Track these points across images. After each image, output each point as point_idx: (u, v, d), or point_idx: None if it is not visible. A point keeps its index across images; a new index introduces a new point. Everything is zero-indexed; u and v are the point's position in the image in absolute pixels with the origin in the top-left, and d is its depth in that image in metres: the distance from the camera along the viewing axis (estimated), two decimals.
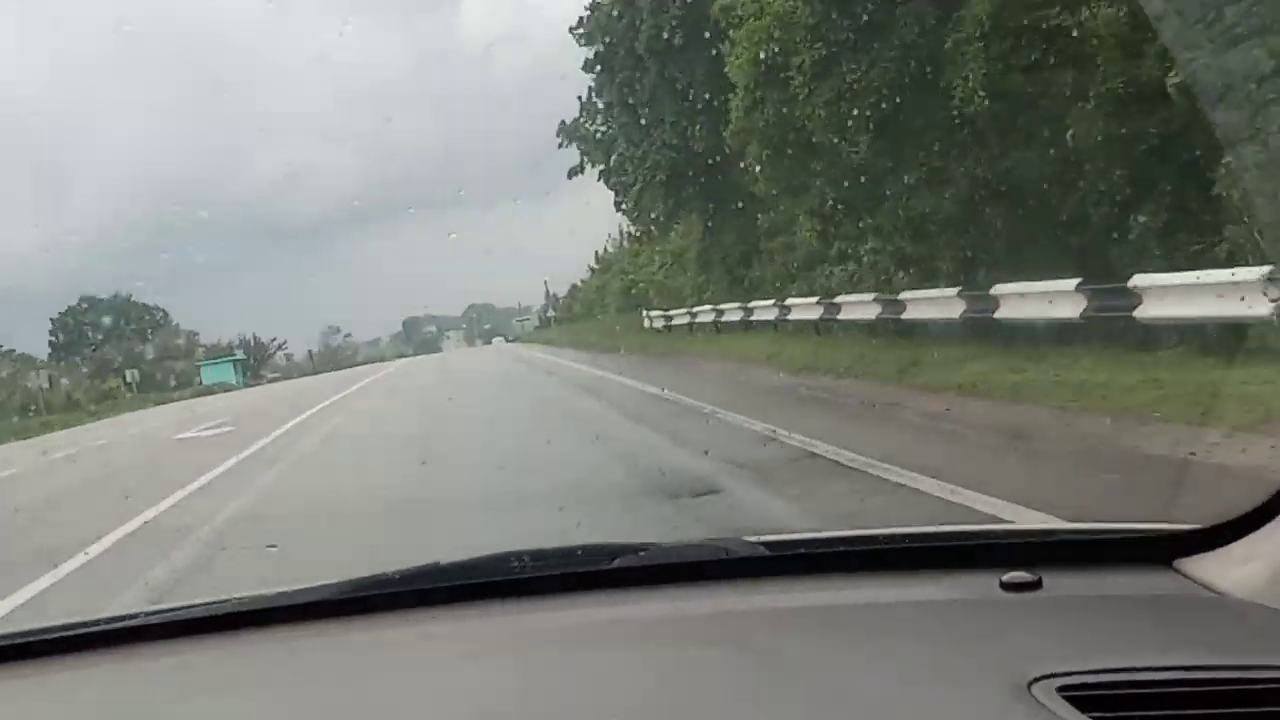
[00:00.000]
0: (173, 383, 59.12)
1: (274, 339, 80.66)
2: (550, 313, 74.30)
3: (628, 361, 21.40)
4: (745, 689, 1.14)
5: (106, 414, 37.59)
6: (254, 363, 78.30)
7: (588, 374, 19.27)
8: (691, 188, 23.38)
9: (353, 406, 20.92)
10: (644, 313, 28.73)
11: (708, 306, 23.35)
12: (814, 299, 17.26)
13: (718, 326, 22.50)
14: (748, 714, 1.07)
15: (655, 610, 1.49)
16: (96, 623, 1.63)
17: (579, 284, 58.01)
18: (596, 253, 47.76)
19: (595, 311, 46.41)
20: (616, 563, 1.57)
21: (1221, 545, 1.38)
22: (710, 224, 23.13)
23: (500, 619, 1.54)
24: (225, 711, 1.34)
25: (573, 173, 29.22)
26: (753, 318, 20.47)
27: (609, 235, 43.34)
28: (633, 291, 34.86)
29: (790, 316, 18.42)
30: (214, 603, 1.65)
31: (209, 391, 52.74)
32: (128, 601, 5.36)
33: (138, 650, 1.58)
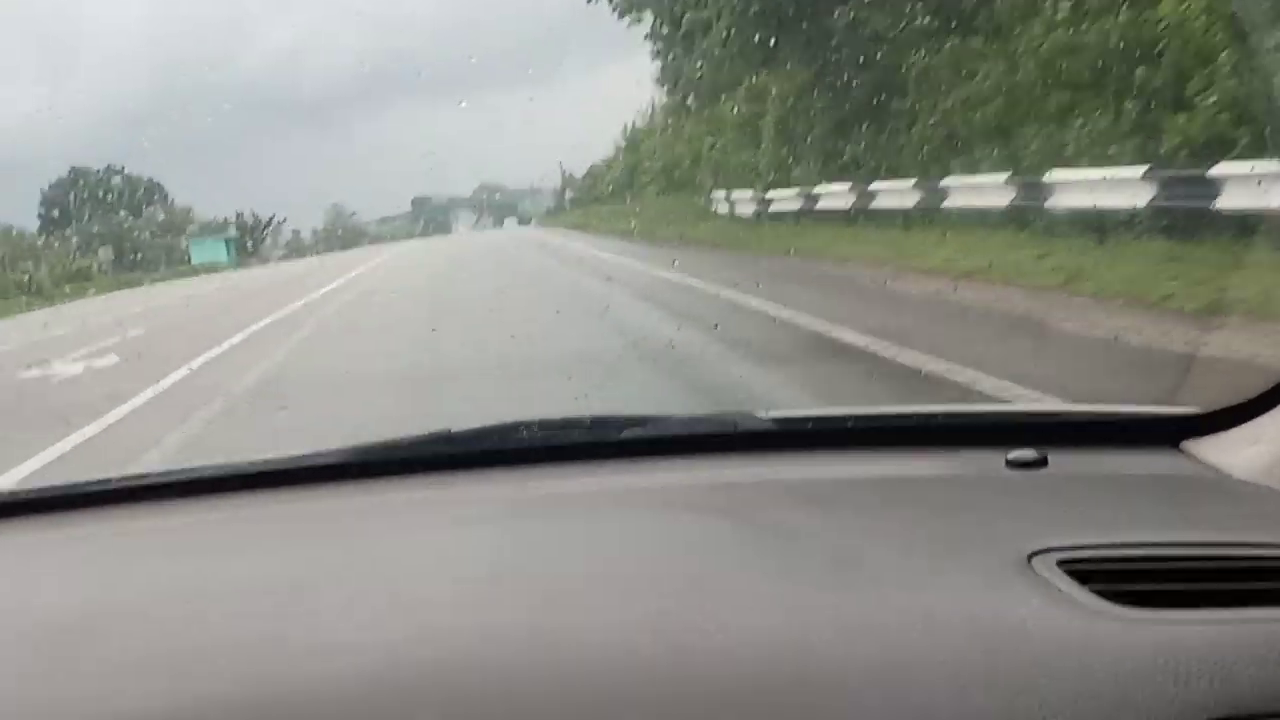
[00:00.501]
0: (162, 261, 53.48)
1: (273, 215, 73.89)
2: (568, 195, 68.34)
3: (738, 269, 12.98)
4: (748, 559, 1.13)
5: (74, 297, 32.02)
6: (250, 241, 71.90)
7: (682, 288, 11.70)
8: (793, 29, 16.91)
9: (331, 322, 14.61)
10: (710, 195, 22.29)
11: (798, 190, 17.99)
12: (1004, 177, 11.77)
13: (797, 217, 17.56)
14: (750, 583, 1.06)
15: (661, 481, 1.51)
16: (105, 482, 1.64)
17: (603, 163, 51.68)
18: (626, 127, 41.87)
19: (625, 193, 39.25)
20: (625, 434, 1.58)
21: (1228, 428, 1.38)
22: (822, 76, 16.71)
23: (506, 486, 1.56)
24: (228, 570, 1.31)
25: (624, 12, 22.56)
26: (874, 205, 15.00)
27: (638, 111, 38.27)
28: (675, 173, 28.46)
29: (951, 204, 12.92)
30: (222, 465, 1.65)
31: (194, 272, 47.36)
32: None
33: (142, 509, 1.60)
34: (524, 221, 71.93)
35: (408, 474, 1.61)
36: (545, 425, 1.62)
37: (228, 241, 65.51)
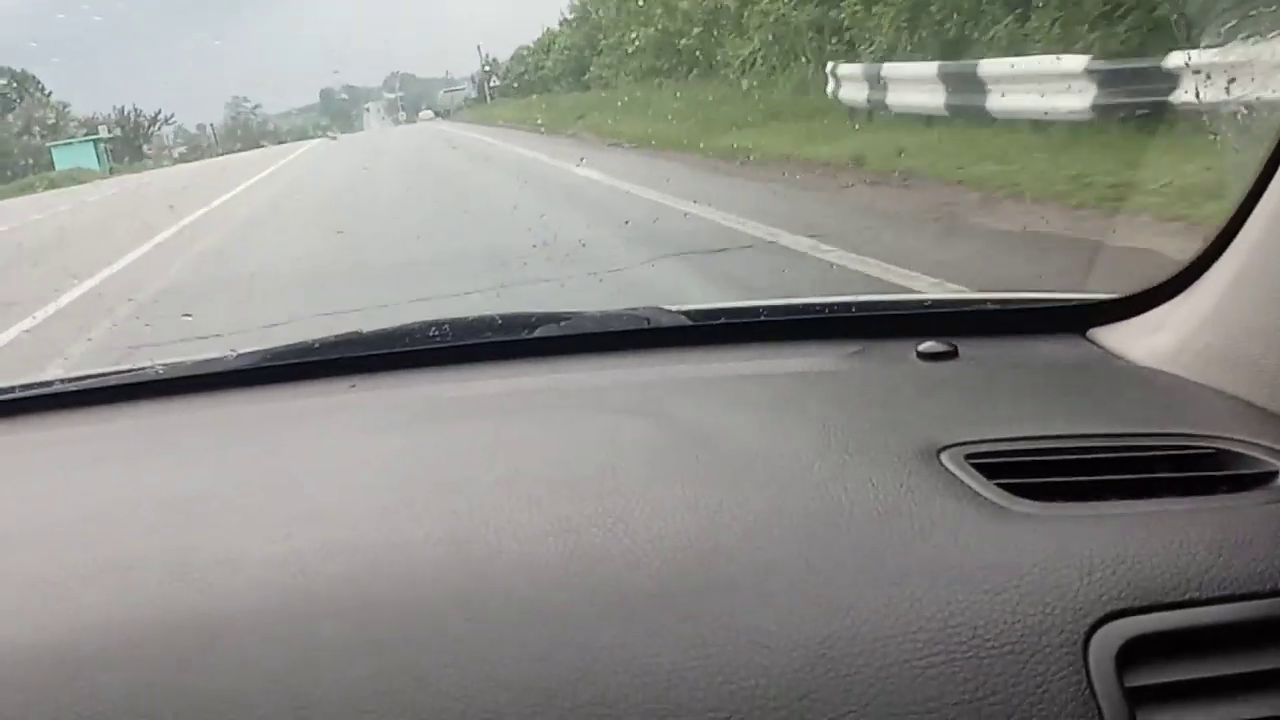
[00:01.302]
0: (29, 166, 46.12)
1: (159, 112, 62.94)
2: (493, 82, 58.29)
3: None
4: (659, 461, 1.11)
5: None
6: (133, 141, 60.83)
7: None
8: None
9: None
10: (830, 74, 13.52)
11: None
12: None
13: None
14: (660, 486, 1.04)
15: (574, 380, 1.48)
16: (8, 390, 1.59)
17: (536, 43, 43.33)
18: None
19: (569, 77, 31.19)
20: (538, 332, 1.55)
21: (1135, 315, 1.36)
22: None
23: (418, 389, 1.51)
24: (128, 483, 1.26)
25: None
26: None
27: None
28: (682, 42, 19.77)
29: None
30: (128, 370, 1.60)
31: (53, 184, 39.18)
32: None
33: (35, 420, 1.55)
34: (441, 114, 63.33)
35: (317, 377, 1.55)
36: (456, 325, 1.58)
37: (96, 144, 54.82)
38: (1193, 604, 0.82)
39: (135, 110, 59.38)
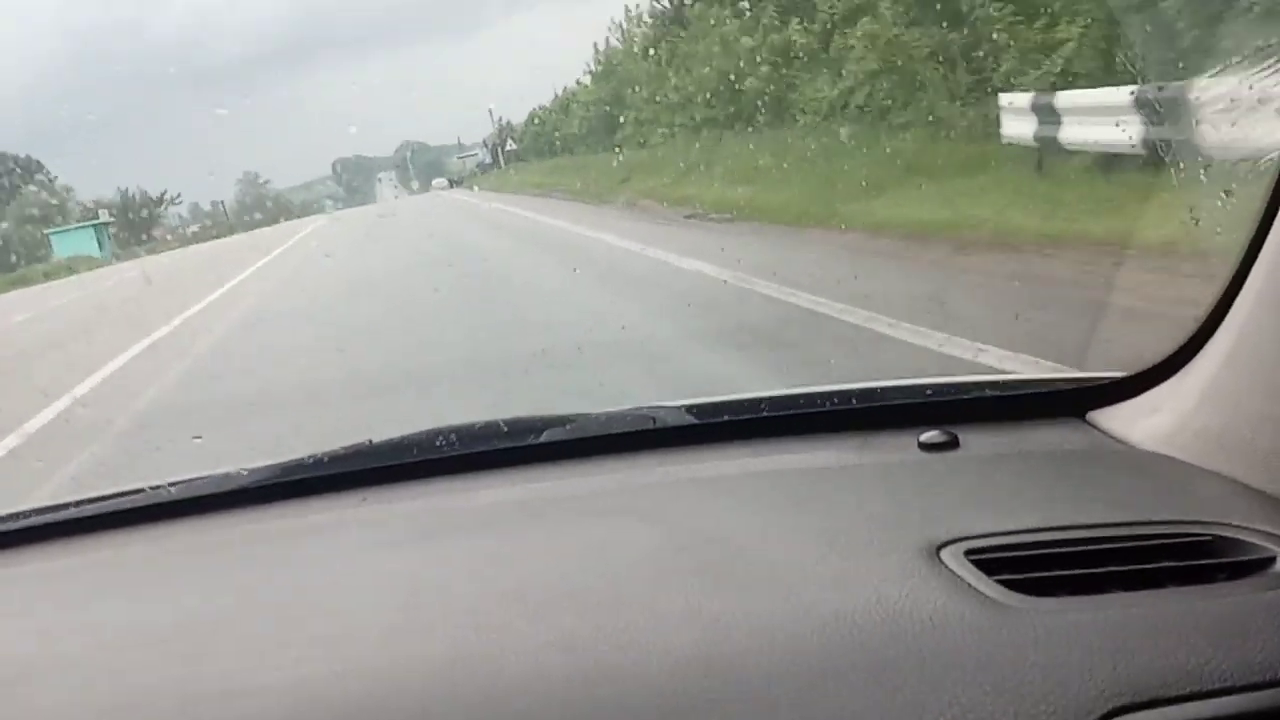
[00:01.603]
0: (29, 255, 43.82)
1: (164, 192, 60.75)
2: (509, 146, 55.11)
3: None
4: (663, 568, 1.11)
5: None
6: (138, 221, 58.16)
7: None
8: None
9: None
10: (1006, 108, 10.33)
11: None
12: None
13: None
14: (664, 595, 1.03)
15: (579, 486, 1.49)
16: (11, 518, 1.56)
17: (551, 105, 41.03)
18: (597, 49, 31.45)
19: (613, 137, 27.67)
20: (544, 437, 1.56)
21: (1132, 396, 1.37)
22: None
23: (428, 499, 1.50)
24: (134, 611, 1.25)
25: None
26: None
27: (610, 28, 28.94)
28: (747, 82, 16.32)
29: None
30: (131, 492, 1.56)
31: (48, 275, 36.74)
32: None
33: (55, 545, 1.51)
34: (455, 182, 60.64)
35: (329, 491, 1.54)
36: (463, 432, 1.58)
37: (98, 228, 51.89)
38: (1194, 697, 0.82)
39: (141, 191, 56.53)
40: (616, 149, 27.02)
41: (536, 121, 47.99)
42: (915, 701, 0.81)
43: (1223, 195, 2.92)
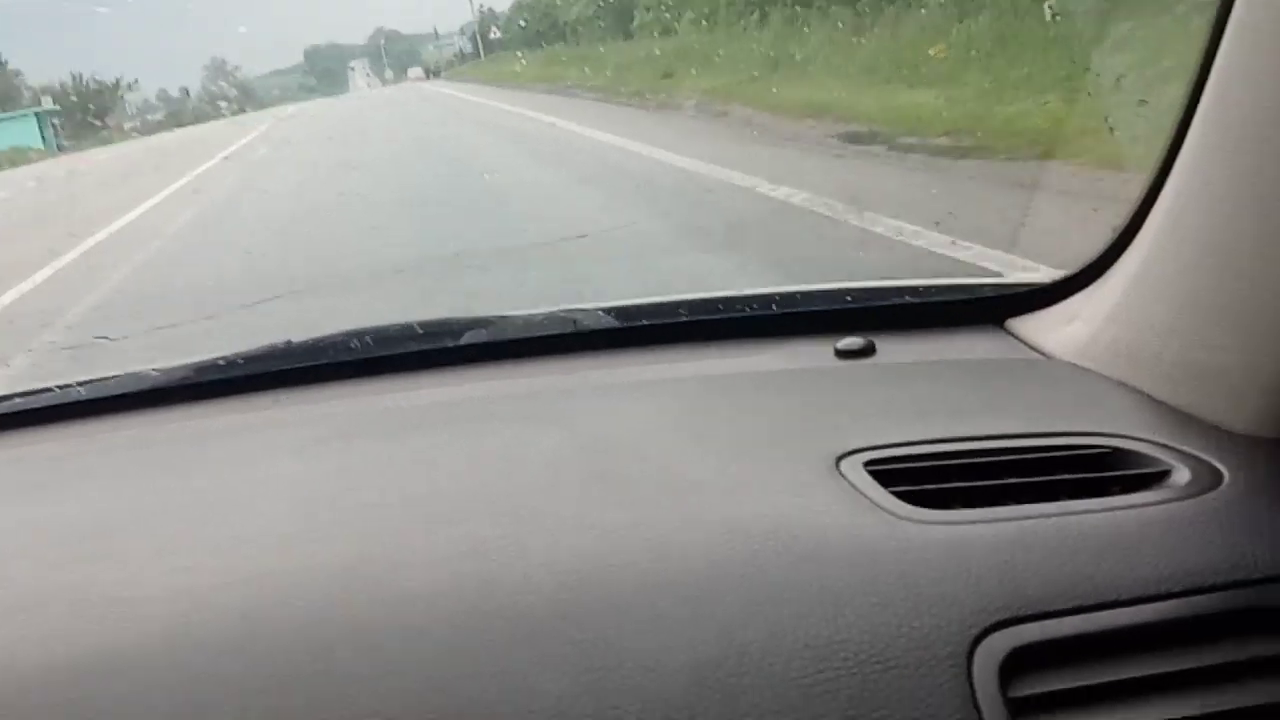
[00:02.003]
0: None
1: (119, 79, 56.23)
2: (492, 34, 50.07)
3: None
4: (566, 477, 1.12)
5: None
6: (91, 109, 53.55)
7: None
8: None
9: None
10: None
11: None
12: None
13: None
14: (564, 505, 1.05)
15: (496, 388, 1.48)
16: None
17: None
18: None
19: (631, 25, 23.60)
20: (463, 339, 1.56)
21: (1050, 305, 1.37)
22: None
23: (340, 402, 1.50)
24: (30, 516, 1.23)
25: None
26: None
27: None
28: None
29: None
30: (38, 391, 1.54)
31: None
32: None
33: None
34: (432, 72, 55.70)
35: (242, 392, 1.54)
36: (380, 334, 1.57)
37: (40, 116, 46.95)
38: (1080, 610, 0.83)
39: (93, 77, 51.85)
40: (627, 39, 22.64)
41: (527, 8, 42.57)
42: (799, 614, 0.83)
43: None
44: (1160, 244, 1.11)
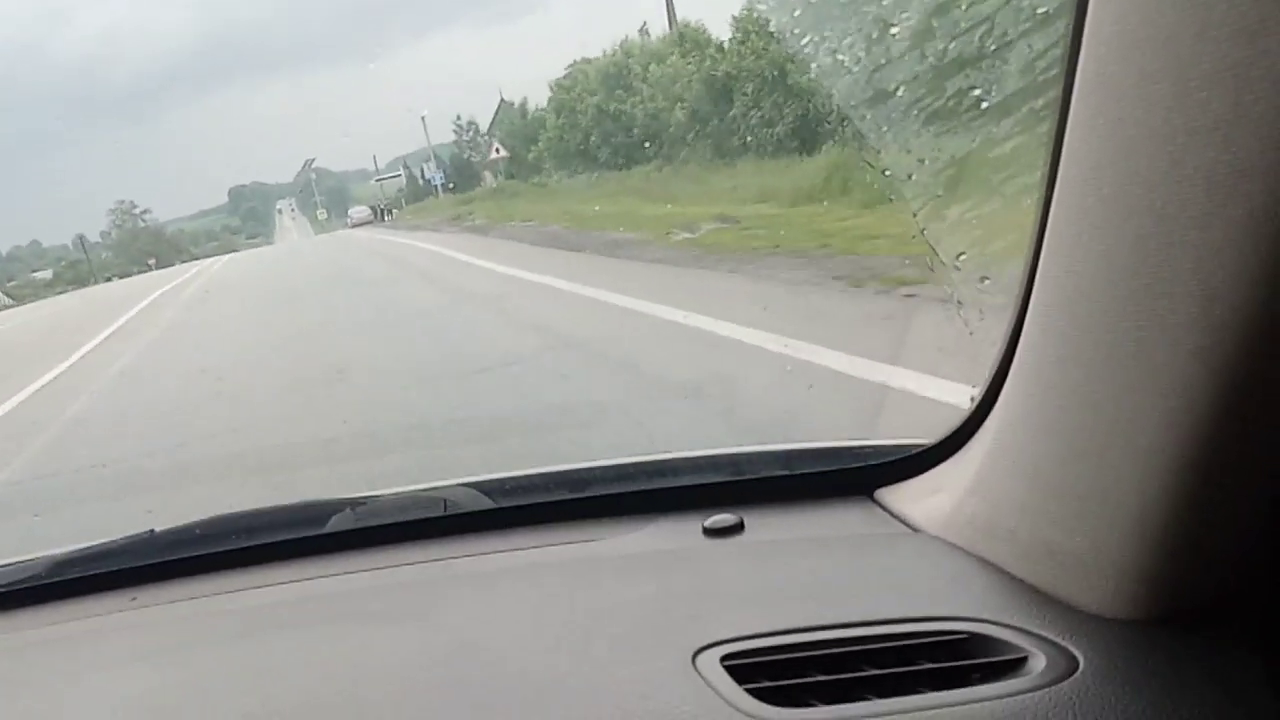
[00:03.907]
0: None
1: None
2: (494, 152, 38.88)
3: None
4: (414, 678, 1.13)
5: None
6: None
7: None
8: None
9: None
10: None
11: None
12: None
13: None
14: (409, 708, 1.06)
15: (357, 582, 1.46)
16: None
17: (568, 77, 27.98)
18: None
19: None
20: (329, 526, 1.54)
21: (918, 474, 1.39)
22: None
23: (198, 602, 1.48)
24: None
25: None
26: None
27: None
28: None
29: None
30: None
31: None
32: None
33: None
34: (383, 212, 43.55)
35: (103, 589, 1.53)
36: (250, 520, 1.54)
37: None
38: None
39: None
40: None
41: (521, 114, 31.20)
42: None
43: None
44: (1009, 421, 1.11)
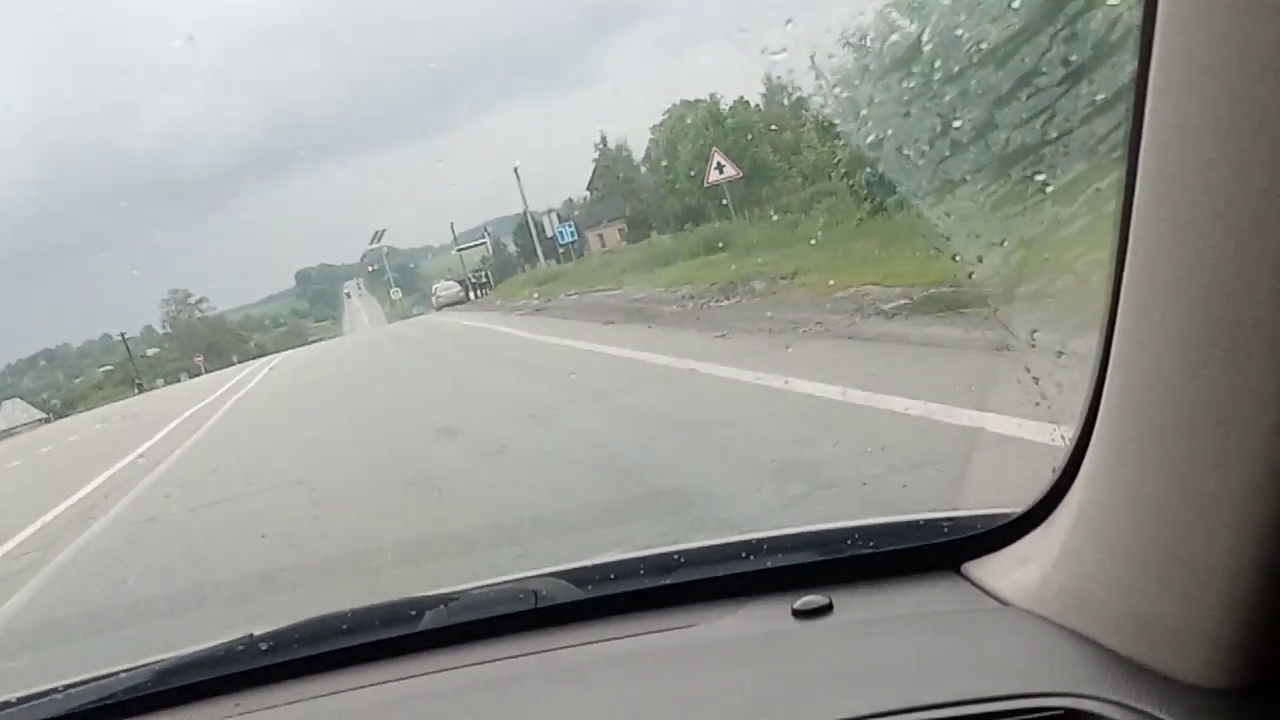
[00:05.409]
0: None
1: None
2: (553, 223, 40.36)
3: None
4: None
5: None
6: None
7: None
8: None
9: None
10: None
11: None
12: None
13: None
14: None
15: (452, 681, 1.63)
16: None
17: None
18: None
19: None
20: (422, 624, 1.73)
21: (1003, 546, 1.52)
22: None
23: (300, 705, 1.66)
24: None
25: None
26: None
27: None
28: None
29: None
30: (3, 705, 1.74)
31: None
32: None
33: None
34: (476, 287, 43.93)
35: (200, 698, 1.72)
36: (338, 624, 1.72)
37: None
38: None
39: None
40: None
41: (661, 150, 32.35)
42: None
43: None
44: (1093, 492, 1.22)
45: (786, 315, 11.58)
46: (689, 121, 26.74)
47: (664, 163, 28.19)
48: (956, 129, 1.69)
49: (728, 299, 15.07)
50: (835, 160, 18.36)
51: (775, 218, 22.10)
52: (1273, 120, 0.85)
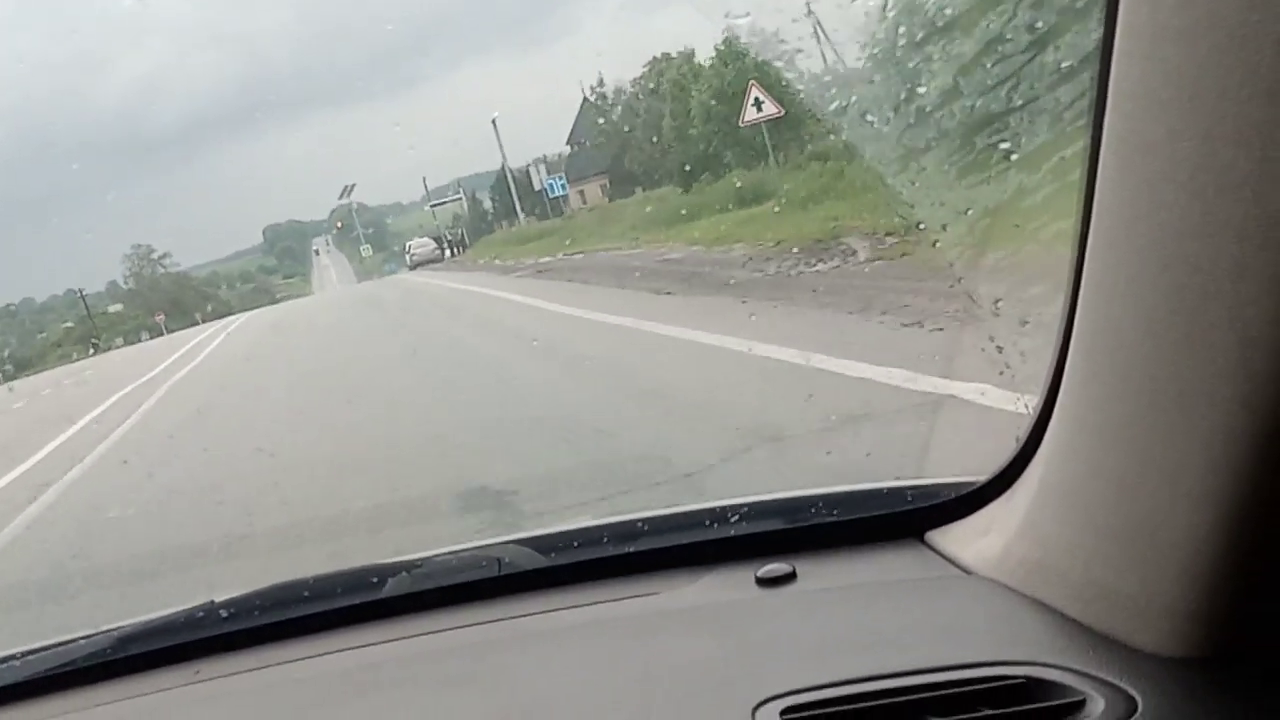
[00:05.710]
0: None
1: None
2: (541, 176, 39.92)
3: None
4: None
5: None
6: None
7: None
8: None
9: None
10: None
11: None
12: None
13: None
14: None
15: (417, 646, 1.66)
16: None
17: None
18: None
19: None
20: (385, 591, 1.76)
21: (967, 514, 1.56)
22: None
23: (261, 673, 1.69)
24: None
25: None
26: None
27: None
28: None
29: None
30: None
31: None
32: None
33: None
34: (452, 246, 43.59)
35: (161, 664, 1.75)
36: (300, 590, 1.76)
37: None
38: None
39: None
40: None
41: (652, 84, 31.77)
42: None
43: None
44: (1055, 462, 1.24)
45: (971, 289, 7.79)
46: (696, 64, 25.94)
47: (667, 110, 27.34)
48: (921, 95, 1.72)
49: (822, 262, 11.33)
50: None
51: (814, 165, 18.86)
52: (1236, 90, 0.86)
